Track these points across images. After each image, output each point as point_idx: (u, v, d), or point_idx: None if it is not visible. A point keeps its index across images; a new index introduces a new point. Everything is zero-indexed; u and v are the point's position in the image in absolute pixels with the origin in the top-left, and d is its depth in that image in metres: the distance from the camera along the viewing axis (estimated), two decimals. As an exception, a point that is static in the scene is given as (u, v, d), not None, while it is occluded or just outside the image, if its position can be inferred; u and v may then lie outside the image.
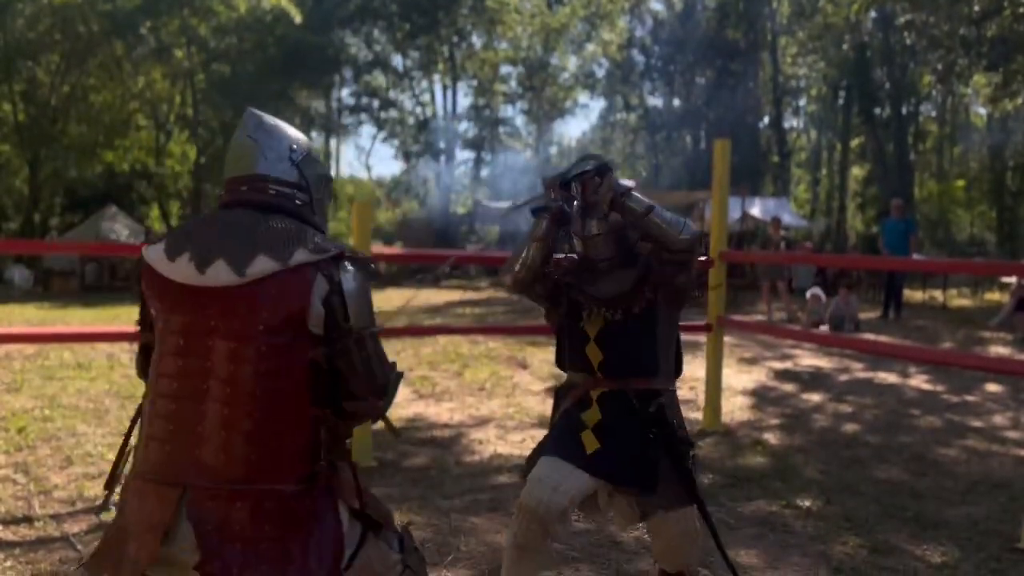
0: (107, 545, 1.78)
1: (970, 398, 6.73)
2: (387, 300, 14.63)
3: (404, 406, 6.05)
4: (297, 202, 1.91)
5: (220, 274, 1.76)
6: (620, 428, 2.57)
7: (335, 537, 1.83)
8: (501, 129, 39.37)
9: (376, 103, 36.91)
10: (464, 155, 39.54)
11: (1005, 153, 29.74)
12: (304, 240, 1.81)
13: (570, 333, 2.72)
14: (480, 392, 6.69)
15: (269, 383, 1.75)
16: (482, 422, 5.70)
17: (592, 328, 2.65)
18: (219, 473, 1.72)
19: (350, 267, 1.83)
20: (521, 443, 5.10)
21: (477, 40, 36.13)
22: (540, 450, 2.65)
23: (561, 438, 2.61)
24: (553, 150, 46.39)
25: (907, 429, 5.65)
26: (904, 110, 30.45)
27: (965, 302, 15.98)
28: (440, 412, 6.00)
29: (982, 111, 34.48)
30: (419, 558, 2.10)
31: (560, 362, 2.86)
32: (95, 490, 3.99)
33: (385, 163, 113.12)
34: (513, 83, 38.18)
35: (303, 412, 1.78)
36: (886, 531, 3.63)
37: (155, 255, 1.85)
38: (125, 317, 12.66)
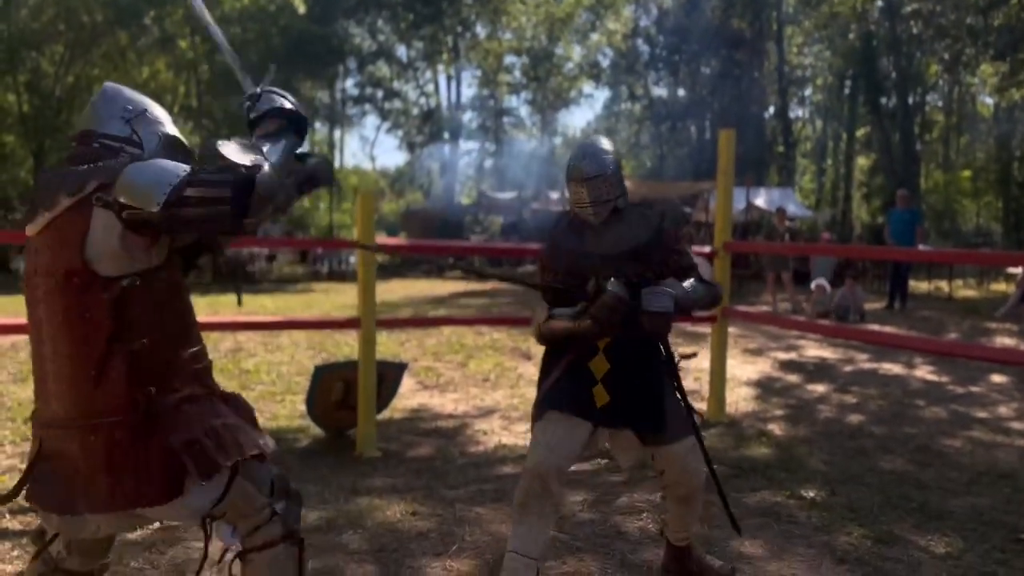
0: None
1: (975, 389, 6.73)
2: (390, 290, 14.66)
3: (408, 397, 6.07)
4: (123, 156, 1.96)
5: (38, 220, 1.90)
6: (630, 375, 2.69)
7: (165, 464, 1.88)
8: (505, 119, 39.30)
9: (380, 93, 36.89)
10: (468, 145, 39.50)
11: (1012, 143, 29.61)
12: (93, 174, 1.88)
13: (572, 298, 2.75)
14: (484, 383, 6.70)
15: (76, 328, 1.86)
16: (486, 413, 5.71)
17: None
18: (55, 414, 1.91)
19: (122, 175, 1.85)
20: (525, 434, 5.11)
21: (481, 30, 36.05)
22: (548, 400, 2.70)
23: (571, 392, 2.69)
24: (558, 140, 46.29)
25: (912, 420, 5.65)
26: (910, 100, 30.31)
27: (971, 293, 15.94)
28: (444, 403, 6.01)
29: (989, 101, 34.33)
30: (294, 507, 2.14)
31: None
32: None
33: (389, 154, 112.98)
34: (517, 73, 38.08)
35: (112, 350, 1.86)
36: (890, 521, 3.63)
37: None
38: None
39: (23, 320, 1.99)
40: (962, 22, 20.62)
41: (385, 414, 5.26)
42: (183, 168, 1.87)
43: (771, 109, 35.49)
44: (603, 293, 2.57)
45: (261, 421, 5.77)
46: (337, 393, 4.78)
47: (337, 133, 39.82)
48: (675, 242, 2.83)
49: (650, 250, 2.75)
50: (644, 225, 2.80)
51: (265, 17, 27.69)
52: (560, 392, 2.70)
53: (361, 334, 4.62)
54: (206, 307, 10.63)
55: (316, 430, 5.01)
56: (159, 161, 1.89)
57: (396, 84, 37.07)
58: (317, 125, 39.12)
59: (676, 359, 2.84)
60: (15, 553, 3.15)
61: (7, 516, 3.55)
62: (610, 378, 2.67)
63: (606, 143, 2.85)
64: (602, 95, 56.39)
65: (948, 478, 4.32)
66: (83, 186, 1.85)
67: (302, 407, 5.13)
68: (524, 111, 40.97)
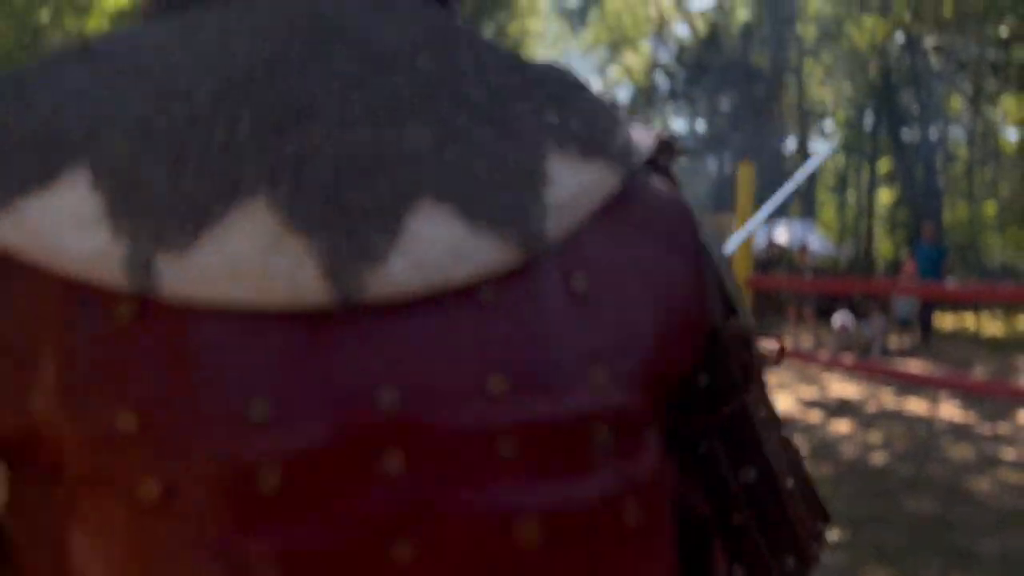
0: None
1: (1003, 427, 6.60)
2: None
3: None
4: None
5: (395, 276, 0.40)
6: None
7: None
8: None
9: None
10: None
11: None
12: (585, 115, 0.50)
13: None
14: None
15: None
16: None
17: None
18: None
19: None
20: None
21: (502, 66, 36.50)
22: None
23: None
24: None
25: (938, 459, 5.55)
26: (933, 133, 30.22)
27: (997, 329, 15.72)
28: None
29: (1013, 136, 34.15)
30: None
31: None
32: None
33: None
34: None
35: None
36: (917, 563, 3.56)
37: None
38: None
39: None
40: (983, 57, 20.63)
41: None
42: None
43: (791, 142, 35.53)
44: None
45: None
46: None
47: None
48: None
49: None
50: None
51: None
52: None
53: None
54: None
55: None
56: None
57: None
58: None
59: None
60: None
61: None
62: None
63: None
64: (622, 129, 56.46)
65: (976, 519, 4.23)
66: (635, 144, 0.50)
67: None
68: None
